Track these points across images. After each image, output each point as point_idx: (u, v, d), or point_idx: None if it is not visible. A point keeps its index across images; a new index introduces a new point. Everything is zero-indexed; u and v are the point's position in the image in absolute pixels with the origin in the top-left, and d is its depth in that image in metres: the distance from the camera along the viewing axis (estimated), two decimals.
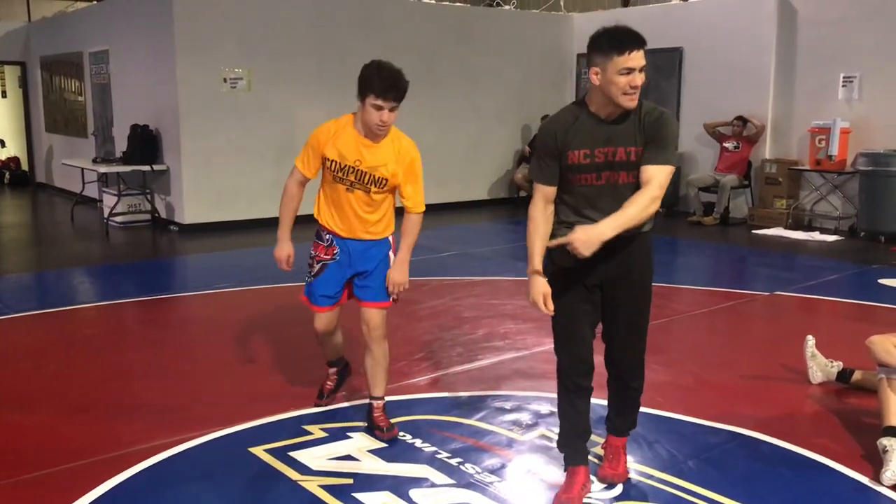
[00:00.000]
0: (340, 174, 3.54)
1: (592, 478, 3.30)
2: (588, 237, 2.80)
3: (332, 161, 3.54)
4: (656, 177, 2.91)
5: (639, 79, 2.86)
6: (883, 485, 3.29)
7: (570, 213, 3.10)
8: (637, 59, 2.85)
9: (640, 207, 2.88)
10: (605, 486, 3.30)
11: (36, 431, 3.89)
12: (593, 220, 2.97)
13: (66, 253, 8.78)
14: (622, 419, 3.35)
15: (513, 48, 12.00)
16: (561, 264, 3.08)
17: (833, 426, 3.97)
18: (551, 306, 3.04)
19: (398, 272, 3.67)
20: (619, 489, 3.27)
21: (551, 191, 3.09)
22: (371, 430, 3.81)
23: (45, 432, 3.88)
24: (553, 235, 3.09)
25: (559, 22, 12.55)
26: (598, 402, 4.17)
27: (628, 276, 3.13)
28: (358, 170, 3.53)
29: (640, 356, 3.25)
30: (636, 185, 2.98)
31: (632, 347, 3.23)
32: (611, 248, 2.98)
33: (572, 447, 3.22)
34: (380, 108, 3.35)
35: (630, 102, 2.90)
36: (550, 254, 3.14)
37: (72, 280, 7.44)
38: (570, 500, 3.15)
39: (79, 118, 12.53)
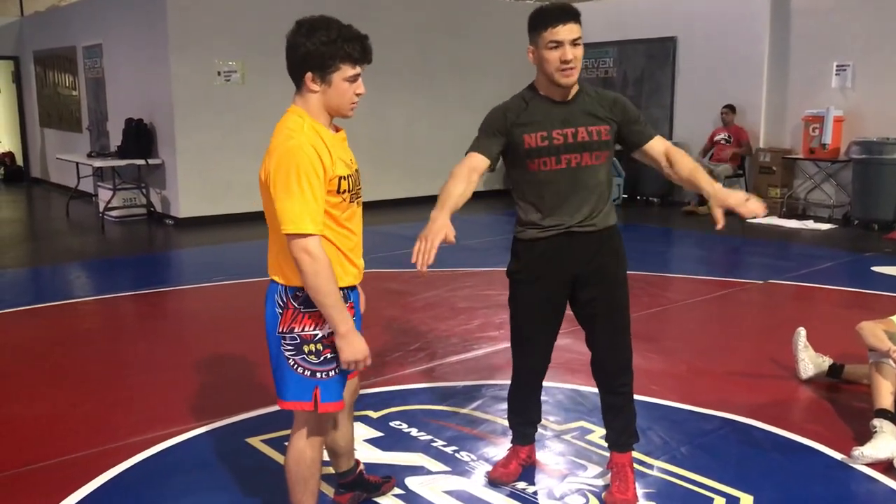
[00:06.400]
0: (355, 189, 2.54)
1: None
2: (729, 193, 2.82)
3: (348, 177, 2.49)
4: (664, 141, 3.02)
5: (570, 52, 2.76)
6: (854, 461, 3.37)
7: (531, 210, 2.98)
8: (565, 32, 2.76)
9: (693, 161, 2.97)
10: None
11: (34, 424, 3.91)
12: (559, 219, 2.92)
13: (62, 247, 8.78)
14: (619, 430, 3.15)
15: (505, 39, 11.98)
16: (530, 263, 3.02)
17: (825, 411, 4.00)
18: (446, 237, 2.73)
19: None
20: (610, 475, 3.29)
21: (481, 161, 2.93)
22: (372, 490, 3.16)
23: (43, 425, 3.90)
24: (520, 237, 3.04)
25: None
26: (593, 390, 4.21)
27: (602, 273, 2.98)
28: (357, 175, 2.60)
29: (626, 356, 3.08)
30: (599, 169, 2.92)
31: (614, 351, 3.05)
32: (581, 245, 2.93)
33: (519, 431, 3.32)
34: (356, 79, 2.47)
35: (566, 78, 2.80)
36: (516, 249, 3.07)
37: (68, 275, 7.45)
38: (506, 474, 3.26)
39: (73, 113, 12.52)
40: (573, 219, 2.93)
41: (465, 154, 2.99)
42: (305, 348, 2.49)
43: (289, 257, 2.41)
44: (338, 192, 2.45)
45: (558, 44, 2.76)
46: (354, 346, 2.44)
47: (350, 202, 2.51)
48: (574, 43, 2.78)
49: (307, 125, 2.43)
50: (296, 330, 2.48)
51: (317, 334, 2.48)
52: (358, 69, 2.46)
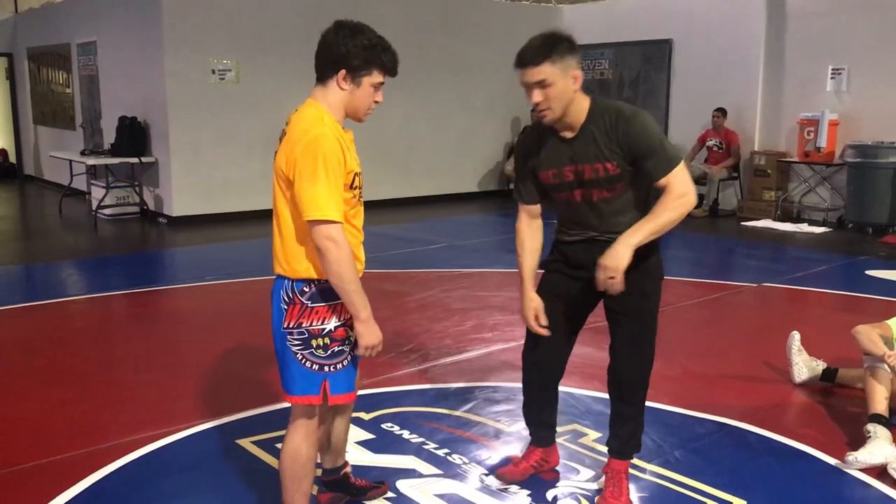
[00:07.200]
0: (360, 189, 2.62)
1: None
2: (616, 256, 2.66)
3: (359, 175, 2.59)
4: (671, 182, 2.72)
5: (536, 96, 2.70)
6: (848, 466, 3.36)
7: (561, 227, 3.03)
8: (527, 76, 2.68)
9: (665, 210, 2.71)
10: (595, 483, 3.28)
11: (24, 424, 3.88)
12: (585, 232, 2.92)
13: (55, 245, 8.74)
14: (623, 440, 3.11)
15: (503, 40, 11.96)
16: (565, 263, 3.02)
17: (819, 416, 3.99)
18: (544, 321, 2.98)
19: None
20: (604, 479, 3.27)
21: (534, 208, 3.03)
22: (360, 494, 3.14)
23: (33, 424, 3.87)
24: (557, 242, 3.05)
25: (549, 14, 12.53)
26: (597, 395, 4.20)
27: (626, 283, 2.84)
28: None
29: (636, 373, 3.02)
30: (613, 199, 2.82)
31: (628, 362, 3.00)
32: (603, 252, 2.82)
33: (532, 431, 3.31)
34: (379, 88, 2.59)
35: (543, 119, 2.76)
36: (556, 246, 3.07)
37: (60, 273, 7.41)
38: (513, 472, 3.25)
39: (67, 110, 12.47)
40: (598, 231, 2.91)
41: (517, 204, 3.08)
42: (313, 342, 2.52)
43: (297, 249, 2.48)
44: (351, 186, 2.50)
45: (526, 86, 2.73)
46: (374, 332, 2.51)
47: (358, 200, 2.59)
48: (540, 85, 2.69)
49: (327, 118, 2.49)
50: (304, 325, 2.51)
51: (325, 328, 2.52)
52: (384, 79, 2.57)
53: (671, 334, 5.42)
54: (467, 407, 4.05)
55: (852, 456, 3.33)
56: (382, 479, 3.22)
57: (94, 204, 10.05)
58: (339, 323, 2.53)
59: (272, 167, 2.53)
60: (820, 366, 4.34)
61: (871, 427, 3.46)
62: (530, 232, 3.04)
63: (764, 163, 10.19)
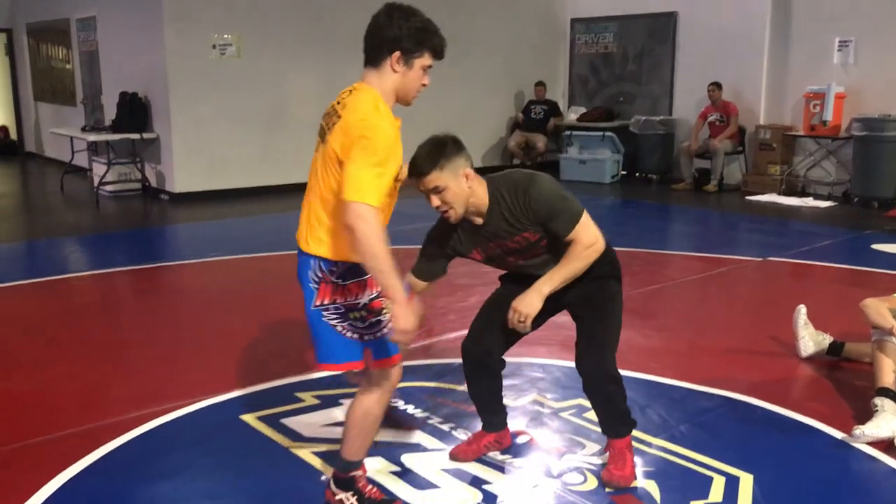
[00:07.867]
0: (399, 176, 2.63)
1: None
2: (527, 302, 2.82)
3: (401, 167, 2.63)
4: (578, 235, 2.83)
5: (436, 201, 2.78)
6: (855, 440, 3.34)
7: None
8: (421, 185, 2.76)
9: (574, 260, 2.84)
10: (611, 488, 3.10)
11: (30, 399, 3.88)
12: (533, 275, 2.95)
13: (57, 222, 8.72)
14: (602, 423, 3.12)
15: (505, 13, 11.86)
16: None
17: (825, 390, 3.98)
18: None
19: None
20: (607, 455, 3.26)
21: (419, 284, 3.07)
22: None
23: (40, 400, 3.87)
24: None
25: None
26: None
27: (583, 297, 3.01)
28: None
29: (598, 371, 2.98)
30: (548, 252, 2.92)
31: (588, 360, 2.98)
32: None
33: (482, 417, 3.32)
34: (428, 70, 2.65)
35: (448, 219, 2.86)
36: None
37: (62, 249, 7.40)
38: (466, 451, 3.25)
39: (67, 86, 12.39)
40: (544, 272, 2.93)
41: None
42: (351, 315, 2.59)
43: (333, 230, 2.50)
44: (395, 179, 2.52)
45: (423, 192, 2.79)
46: (408, 318, 2.42)
47: (396, 190, 2.60)
48: (434, 191, 2.76)
49: (382, 106, 2.51)
50: (339, 301, 2.57)
51: (359, 302, 2.58)
52: (433, 62, 2.62)
53: (676, 309, 5.41)
54: None
55: (859, 430, 3.32)
56: (395, 497, 2.98)
57: (96, 180, 10.01)
58: (373, 295, 2.58)
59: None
60: (826, 340, 4.32)
61: (878, 401, 3.44)
62: None
63: (769, 137, 10.11)
